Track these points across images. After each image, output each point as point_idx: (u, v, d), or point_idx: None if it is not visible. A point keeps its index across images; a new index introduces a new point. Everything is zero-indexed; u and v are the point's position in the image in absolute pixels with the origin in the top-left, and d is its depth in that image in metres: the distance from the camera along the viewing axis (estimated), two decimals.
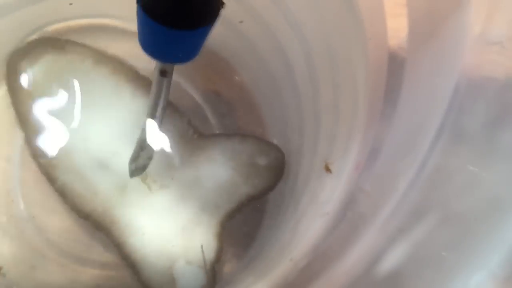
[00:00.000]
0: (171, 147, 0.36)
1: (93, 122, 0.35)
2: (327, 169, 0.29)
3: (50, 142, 0.35)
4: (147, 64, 0.30)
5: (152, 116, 0.29)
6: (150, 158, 0.33)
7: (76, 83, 0.36)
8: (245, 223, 0.38)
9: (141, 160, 0.33)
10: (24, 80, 0.35)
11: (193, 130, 0.37)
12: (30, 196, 0.37)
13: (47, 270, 0.36)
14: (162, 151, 0.36)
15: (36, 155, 0.35)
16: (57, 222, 0.36)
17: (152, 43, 0.22)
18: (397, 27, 0.26)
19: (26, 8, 0.35)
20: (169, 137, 0.36)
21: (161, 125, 0.31)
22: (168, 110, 0.35)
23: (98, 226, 0.35)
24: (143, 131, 0.31)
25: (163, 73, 0.25)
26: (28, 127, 0.35)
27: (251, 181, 0.36)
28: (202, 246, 0.35)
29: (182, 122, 0.37)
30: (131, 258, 0.34)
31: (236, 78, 0.41)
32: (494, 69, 0.21)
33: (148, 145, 0.32)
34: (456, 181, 0.20)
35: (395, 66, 0.26)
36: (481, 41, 0.21)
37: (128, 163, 0.34)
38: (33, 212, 0.37)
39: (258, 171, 0.37)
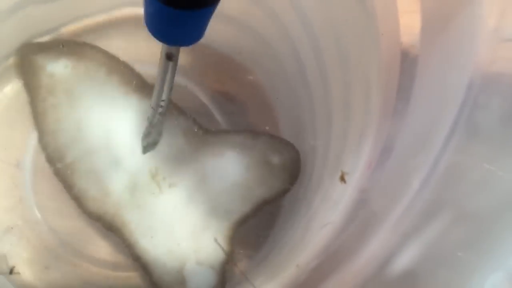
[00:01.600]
0: (180, 143, 0.36)
1: (108, 123, 0.36)
2: (342, 179, 0.29)
3: (69, 145, 0.35)
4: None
5: (158, 99, 0.30)
6: (160, 134, 0.35)
7: (91, 85, 0.36)
8: (258, 223, 0.38)
9: (152, 136, 0.34)
10: (45, 76, 0.35)
11: (203, 128, 0.37)
12: (43, 199, 0.37)
13: (60, 270, 0.36)
14: (171, 148, 0.36)
15: (53, 159, 0.35)
16: (70, 223, 0.37)
17: (157, 25, 0.22)
18: (410, 24, 0.26)
19: (36, 6, 0.36)
20: (179, 134, 0.36)
21: (167, 107, 0.31)
22: (175, 111, 0.36)
23: (110, 228, 0.35)
24: (152, 110, 0.32)
25: (169, 57, 0.25)
26: (44, 128, 0.35)
27: (265, 182, 0.36)
28: (216, 240, 0.35)
29: (187, 120, 0.37)
30: (142, 259, 0.34)
31: (249, 77, 0.41)
32: (508, 65, 0.20)
33: (158, 122, 0.33)
34: (471, 179, 0.20)
35: (408, 63, 0.26)
36: (495, 37, 0.21)
37: (141, 141, 0.35)
38: (46, 214, 0.37)
39: (272, 171, 0.36)
